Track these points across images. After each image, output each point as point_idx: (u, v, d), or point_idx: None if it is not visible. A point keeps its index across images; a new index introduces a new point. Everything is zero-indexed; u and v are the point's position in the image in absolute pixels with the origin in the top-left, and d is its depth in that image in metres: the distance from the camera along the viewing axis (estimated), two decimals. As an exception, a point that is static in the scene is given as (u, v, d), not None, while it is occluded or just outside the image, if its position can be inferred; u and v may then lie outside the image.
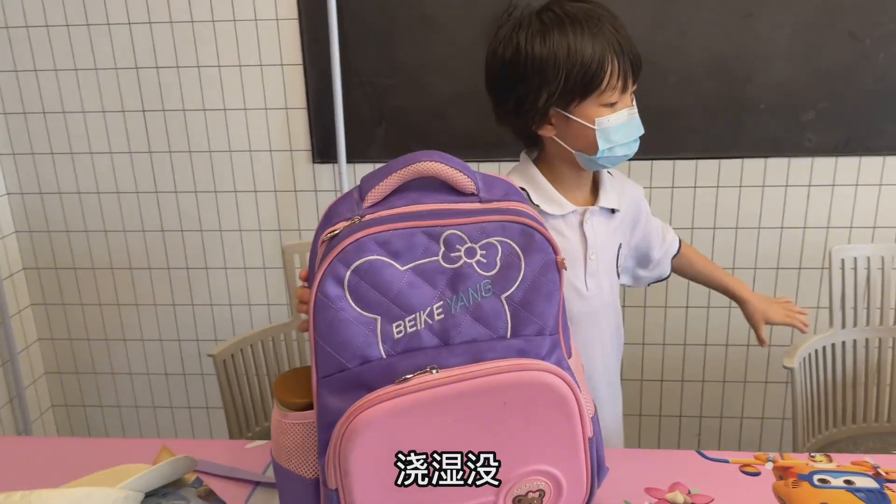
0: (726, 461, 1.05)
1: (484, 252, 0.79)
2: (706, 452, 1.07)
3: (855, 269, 1.68)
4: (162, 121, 2.08)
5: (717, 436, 2.19)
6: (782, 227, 2.00)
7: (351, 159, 2.04)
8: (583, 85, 1.06)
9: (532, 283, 0.80)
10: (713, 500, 0.96)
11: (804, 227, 1.99)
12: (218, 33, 1.99)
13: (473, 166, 2.08)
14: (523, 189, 1.15)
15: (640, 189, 1.28)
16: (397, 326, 0.78)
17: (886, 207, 1.95)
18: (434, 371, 0.75)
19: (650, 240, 1.33)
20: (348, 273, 0.76)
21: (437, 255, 0.78)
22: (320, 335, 0.77)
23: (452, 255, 0.78)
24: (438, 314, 0.78)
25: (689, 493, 0.98)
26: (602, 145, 1.08)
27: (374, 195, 0.83)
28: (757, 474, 1.02)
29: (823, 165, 1.94)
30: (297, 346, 1.78)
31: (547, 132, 1.12)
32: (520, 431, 0.79)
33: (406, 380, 0.75)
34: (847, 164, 1.93)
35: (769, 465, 1.03)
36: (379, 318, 0.77)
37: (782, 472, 1.01)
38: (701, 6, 1.83)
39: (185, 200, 2.14)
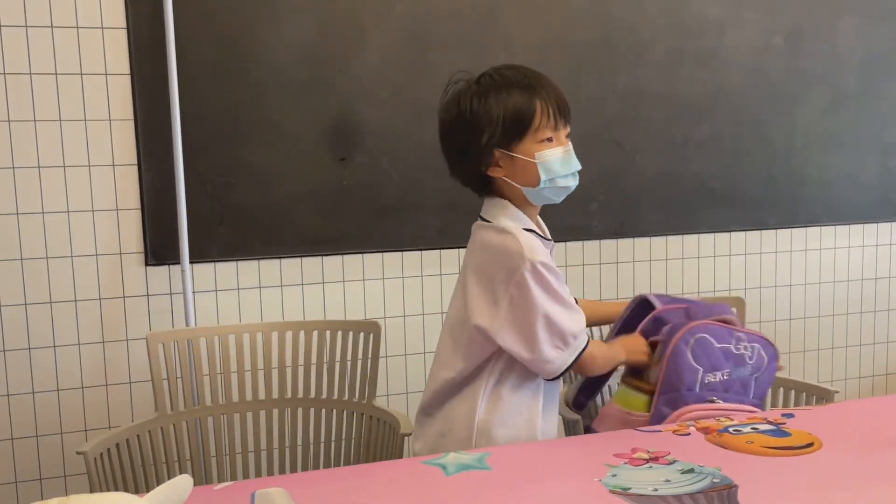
0: (659, 430, 1.23)
1: (750, 350, 1.42)
2: (641, 428, 1.24)
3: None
4: (-36, 226, 1.86)
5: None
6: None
7: (190, 260, 1.99)
8: (517, 125, 1.26)
9: (767, 373, 1.44)
10: (669, 452, 1.13)
11: (601, 300, 2.35)
12: (40, 133, 1.89)
13: (318, 260, 2.22)
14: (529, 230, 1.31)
15: None
16: (710, 376, 1.37)
17: (657, 279, 2.40)
18: (718, 401, 1.37)
19: None
20: (692, 340, 1.37)
21: (731, 345, 1.40)
22: (669, 370, 1.36)
23: (738, 346, 1.40)
24: (725, 376, 1.38)
25: (649, 451, 1.13)
26: (543, 176, 1.27)
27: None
28: (688, 435, 1.20)
29: (607, 247, 2.35)
30: (165, 447, 1.62)
31: (496, 172, 1.29)
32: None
33: (713, 401, 1.36)
34: (625, 244, 2.36)
35: (692, 429, 1.23)
36: (701, 369, 1.36)
37: (705, 431, 1.22)
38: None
39: (-12, 315, 1.89)
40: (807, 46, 2.45)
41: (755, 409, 1.40)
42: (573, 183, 1.32)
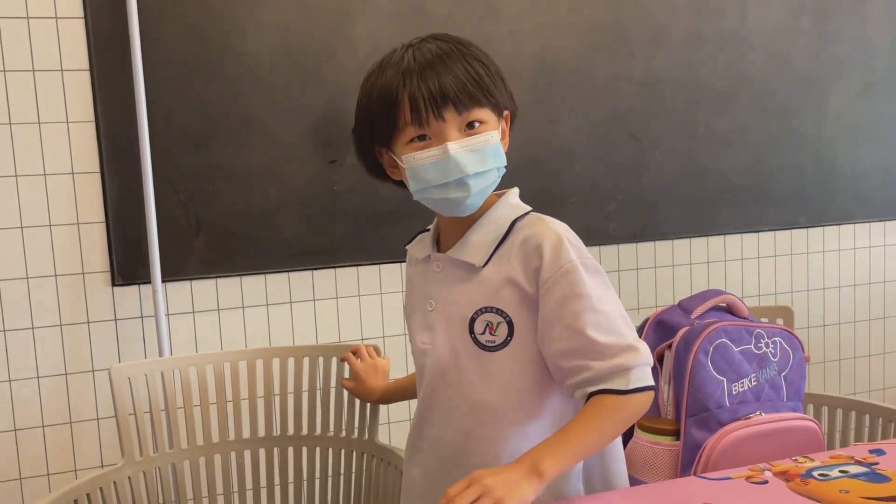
0: (729, 478, 1.01)
1: (772, 346, 1.28)
2: (704, 475, 1.03)
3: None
4: None
5: None
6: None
7: (163, 278, 1.76)
8: (383, 120, 0.99)
9: (796, 368, 1.29)
10: (750, 509, 0.91)
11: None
12: (-13, 138, 1.66)
13: (307, 274, 1.99)
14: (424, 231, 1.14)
15: (549, 255, 0.98)
16: (736, 385, 1.23)
17: (681, 286, 2.19)
18: (762, 414, 1.23)
19: (543, 327, 0.99)
20: (711, 349, 1.22)
21: (751, 344, 1.26)
22: (693, 387, 1.20)
23: (759, 344, 1.27)
24: (752, 382, 1.25)
25: (725, 509, 0.92)
26: (413, 185, 1.00)
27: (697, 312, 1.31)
28: (765, 482, 0.99)
29: (626, 251, 2.14)
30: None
31: (395, 175, 1.06)
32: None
33: (749, 417, 1.21)
34: (645, 248, 2.15)
35: (768, 474, 1.02)
36: (725, 380, 1.22)
37: (784, 476, 1.00)
38: (513, 110, 1.98)
39: (-69, 348, 1.66)
40: (834, 28, 2.25)
41: (798, 414, 1.27)
42: (458, 194, 0.98)
